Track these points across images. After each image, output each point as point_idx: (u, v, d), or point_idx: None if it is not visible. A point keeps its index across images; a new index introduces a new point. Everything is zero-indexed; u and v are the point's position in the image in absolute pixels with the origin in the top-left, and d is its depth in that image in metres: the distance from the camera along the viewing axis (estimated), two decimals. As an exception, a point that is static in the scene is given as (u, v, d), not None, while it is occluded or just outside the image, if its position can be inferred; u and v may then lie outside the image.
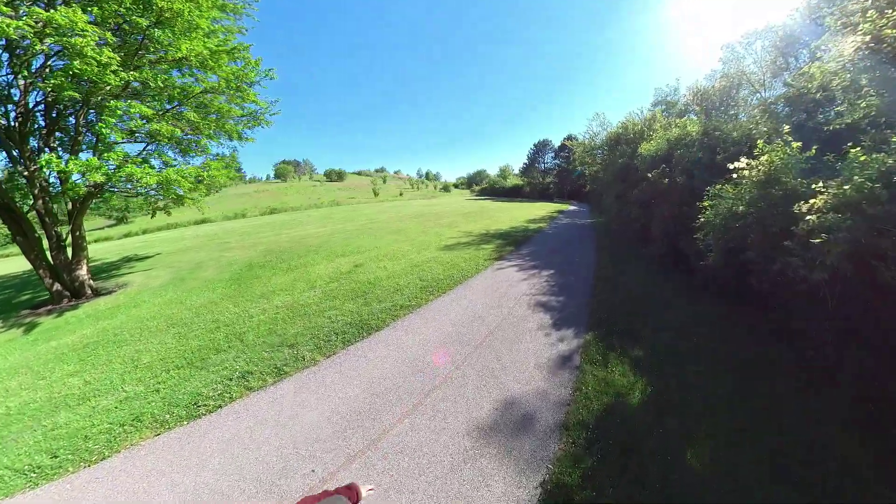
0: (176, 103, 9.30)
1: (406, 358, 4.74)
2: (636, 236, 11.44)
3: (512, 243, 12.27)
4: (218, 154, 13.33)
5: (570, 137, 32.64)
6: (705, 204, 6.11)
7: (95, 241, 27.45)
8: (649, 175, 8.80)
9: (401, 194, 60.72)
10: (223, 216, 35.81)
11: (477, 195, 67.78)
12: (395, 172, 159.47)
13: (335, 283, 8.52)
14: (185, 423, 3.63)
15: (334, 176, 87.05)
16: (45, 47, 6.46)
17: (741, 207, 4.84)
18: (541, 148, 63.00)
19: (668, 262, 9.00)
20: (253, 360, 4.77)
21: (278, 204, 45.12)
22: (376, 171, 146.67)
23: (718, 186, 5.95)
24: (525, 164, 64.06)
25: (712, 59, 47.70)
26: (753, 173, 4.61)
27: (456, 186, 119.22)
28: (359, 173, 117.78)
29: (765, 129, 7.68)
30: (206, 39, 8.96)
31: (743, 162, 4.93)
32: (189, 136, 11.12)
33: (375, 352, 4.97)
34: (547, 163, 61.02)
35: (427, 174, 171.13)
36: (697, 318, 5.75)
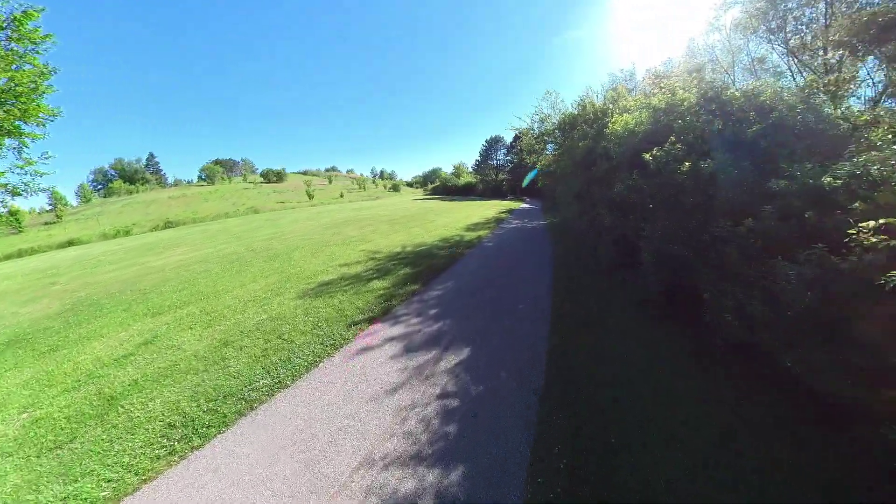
0: None
1: None
2: (610, 249, 7.63)
3: (424, 272, 7.97)
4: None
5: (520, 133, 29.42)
6: None
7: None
8: (648, 157, 4.84)
9: (341, 195, 54.64)
10: (102, 234, 28.15)
11: (429, 194, 63.58)
12: (348, 171, 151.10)
13: (68, 393, 4.49)
14: None
15: (272, 176, 78.44)
16: None
17: None
18: (493, 144, 60.17)
19: (667, 309, 5.17)
20: None
21: (189, 213, 37.70)
22: (327, 170, 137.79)
23: None
24: (478, 161, 60.94)
25: (664, 52, 47.21)
26: None
27: (410, 185, 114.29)
28: (304, 173, 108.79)
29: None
30: None
31: None
32: None
33: None
34: (499, 159, 58.28)
35: (381, 173, 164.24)
36: None
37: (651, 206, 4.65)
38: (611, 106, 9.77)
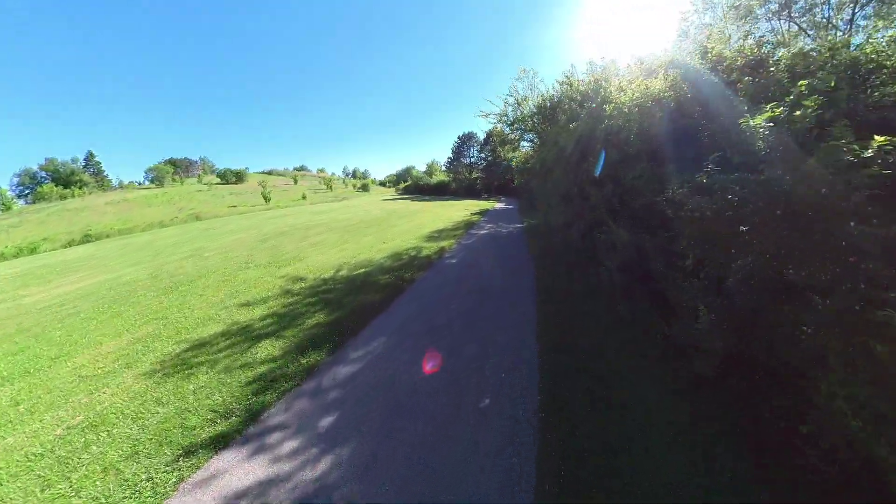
0: None
1: None
2: (618, 278, 5.31)
3: (345, 322, 5.36)
4: None
5: (492, 129, 26.81)
6: None
7: None
8: (758, 123, 2.29)
9: (303, 197, 50.45)
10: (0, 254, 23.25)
11: (401, 193, 60.52)
12: (319, 171, 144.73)
13: None
14: None
15: (231, 177, 72.64)
16: None
17: None
18: (466, 141, 57.83)
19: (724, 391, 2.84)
20: None
21: (120, 222, 32.96)
22: (296, 169, 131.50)
23: None
24: (450, 158, 58.50)
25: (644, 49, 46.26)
26: None
27: (383, 185, 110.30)
28: (269, 172, 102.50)
29: None
30: None
31: None
32: None
33: None
34: (472, 157, 56.11)
35: (354, 172, 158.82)
36: None
37: (743, 225, 2.23)
38: (603, 83, 7.49)
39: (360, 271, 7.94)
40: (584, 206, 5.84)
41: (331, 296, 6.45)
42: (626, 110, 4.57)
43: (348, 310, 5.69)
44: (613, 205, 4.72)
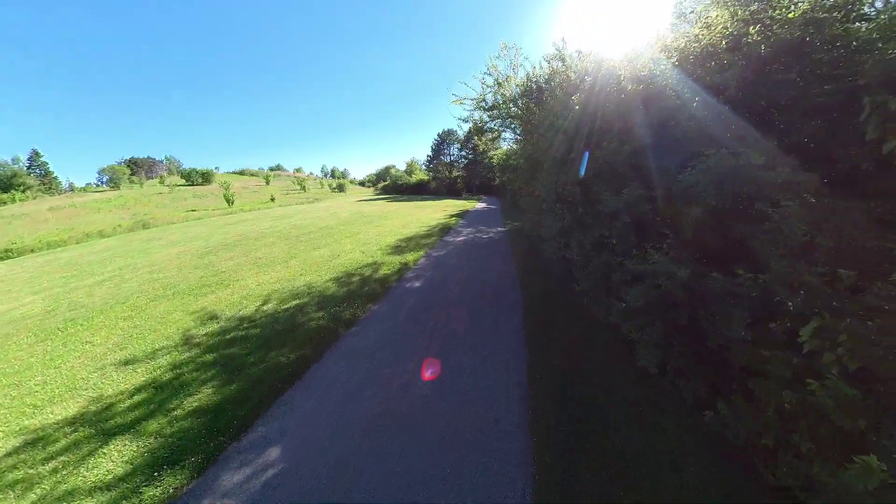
0: None
1: None
2: (649, 313, 3.61)
3: (246, 398, 3.45)
4: None
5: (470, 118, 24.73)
6: None
7: None
8: None
9: (272, 199, 47.30)
10: None
11: (379, 193, 58.10)
12: (296, 170, 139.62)
13: None
14: None
15: (197, 178, 68.08)
16: None
17: None
18: (446, 138, 55.96)
19: None
20: None
21: (56, 233, 29.36)
22: (271, 168, 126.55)
23: None
24: (429, 156, 56.53)
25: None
26: None
27: (362, 184, 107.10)
28: (241, 172, 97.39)
29: None
30: None
31: None
32: None
33: None
34: (453, 155, 54.33)
35: (332, 172, 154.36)
36: None
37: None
38: (604, 56, 5.87)
39: (291, 304, 5.97)
40: (589, 214, 4.14)
41: (235, 350, 4.48)
42: (657, 71, 2.87)
43: (249, 379, 3.76)
44: (643, 214, 3.04)
